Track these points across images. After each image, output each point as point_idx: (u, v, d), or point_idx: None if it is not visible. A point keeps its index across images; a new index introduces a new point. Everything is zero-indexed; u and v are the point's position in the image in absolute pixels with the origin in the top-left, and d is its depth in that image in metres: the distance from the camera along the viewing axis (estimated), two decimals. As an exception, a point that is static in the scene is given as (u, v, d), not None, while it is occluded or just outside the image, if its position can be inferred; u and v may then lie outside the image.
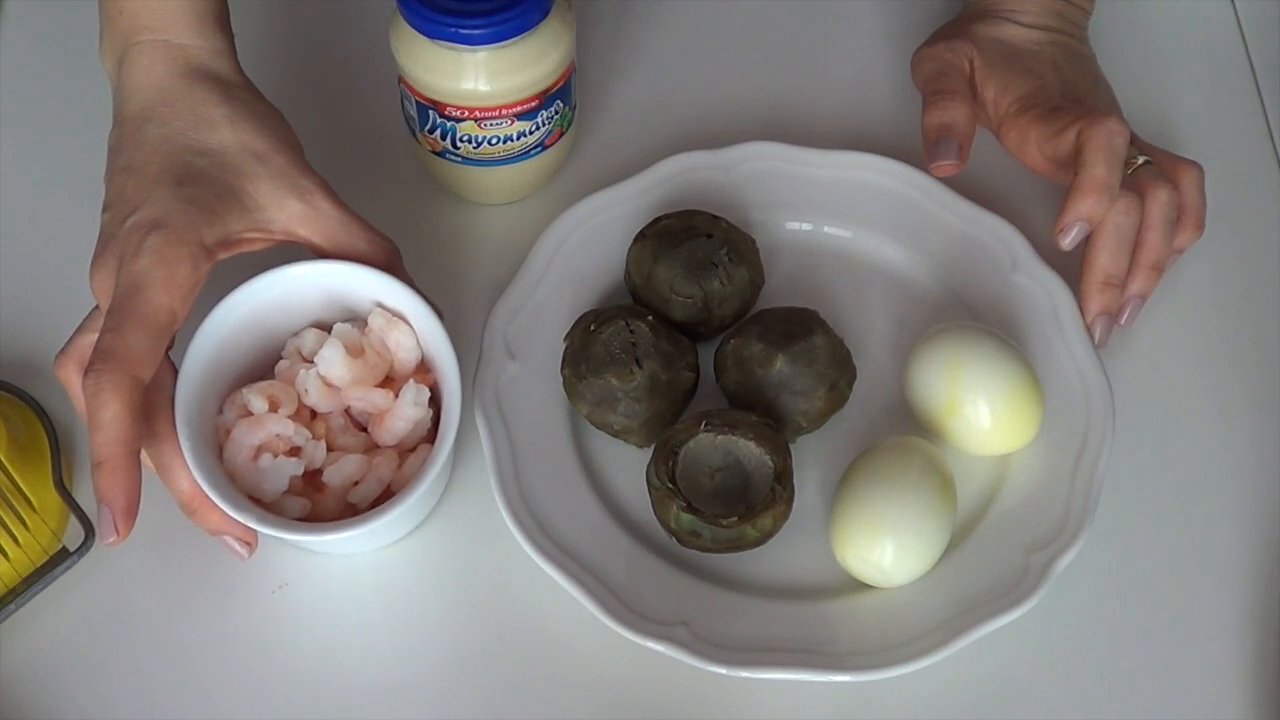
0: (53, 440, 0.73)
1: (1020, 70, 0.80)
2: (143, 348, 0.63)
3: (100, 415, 0.62)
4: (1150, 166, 0.77)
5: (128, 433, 0.62)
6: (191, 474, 0.65)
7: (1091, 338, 0.75)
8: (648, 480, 0.70)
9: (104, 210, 0.68)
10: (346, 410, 0.70)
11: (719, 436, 0.70)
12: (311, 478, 0.69)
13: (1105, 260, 0.75)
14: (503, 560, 0.71)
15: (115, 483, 0.61)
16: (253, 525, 0.65)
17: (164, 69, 0.69)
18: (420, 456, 0.69)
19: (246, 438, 0.68)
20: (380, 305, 0.70)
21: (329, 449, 0.69)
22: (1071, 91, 0.80)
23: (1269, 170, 0.85)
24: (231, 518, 0.65)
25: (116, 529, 0.62)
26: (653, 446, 0.71)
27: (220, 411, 0.69)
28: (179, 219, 0.65)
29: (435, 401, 0.70)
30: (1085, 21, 0.84)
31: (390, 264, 0.70)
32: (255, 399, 0.68)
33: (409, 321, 0.70)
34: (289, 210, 0.68)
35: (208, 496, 0.65)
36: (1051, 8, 0.82)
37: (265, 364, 0.71)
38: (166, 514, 0.72)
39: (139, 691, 0.68)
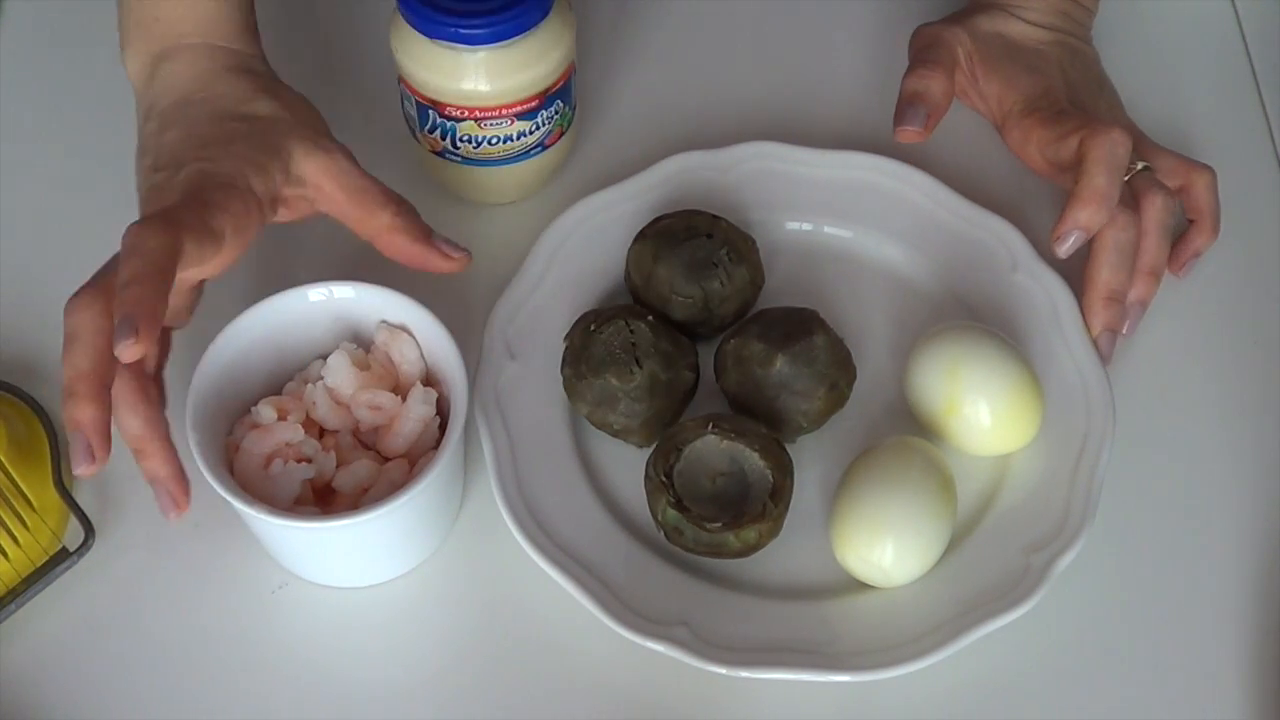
0: (53, 440, 0.73)
1: (1025, 68, 0.80)
2: (195, 226, 0.64)
3: (141, 241, 0.62)
4: (1148, 173, 0.77)
5: (168, 260, 0.62)
6: (144, 413, 0.64)
7: (1098, 353, 0.75)
8: (645, 472, 0.70)
9: (153, 170, 0.70)
10: (354, 431, 0.71)
11: (725, 441, 0.70)
12: (323, 493, 0.69)
13: (1106, 275, 0.75)
14: (502, 560, 0.71)
15: (151, 296, 0.61)
16: (267, 519, 0.65)
17: (205, 65, 0.72)
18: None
19: (256, 446, 0.68)
20: (384, 322, 0.71)
21: (338, 464, 0.69)
22: (1077, 95, 0.80)
23: (1269, 170, 0.85)
24: (175, 469, 0.64)
25: (135, 333, 0.60)
26: (653, 446, 0.71)
27: (230, 432, 0.69)
28: (231, 167, 0.68)
29: (441, 411, 0.70)
30: (1090, 22, 0.84)
31: (406, 217, 0.71)
32: (264, 409, 0.69)
33: (412, 334, 0.70)
34: (316, 162, 0.70)
35: (158, 440, 0.64)
36: (1058, 6, 0.82)
37: (275, 387, 0.72)
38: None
39: (139, 691, 0.68)
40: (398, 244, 0.71)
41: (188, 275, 0.65)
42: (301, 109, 0.73)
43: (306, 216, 0.72)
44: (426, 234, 0.71)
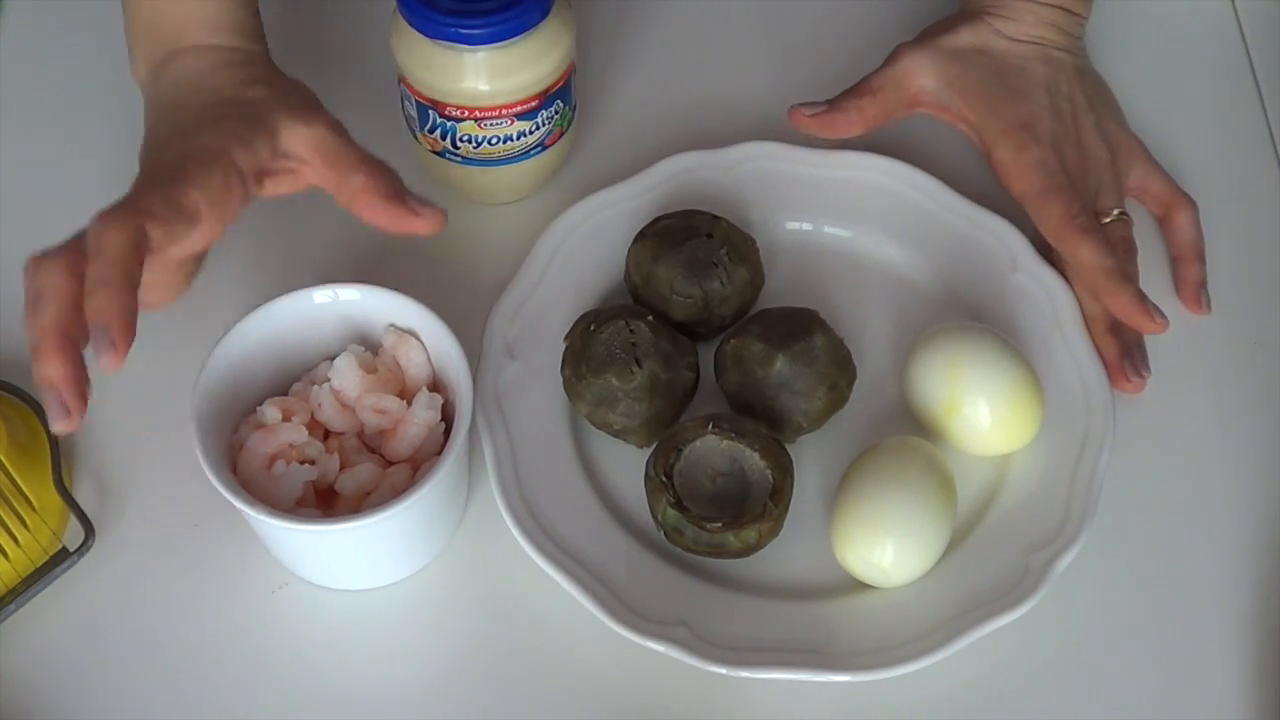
0: (53, 440, 0.73)
1: (1008, 92, 0.79)
2: (161, 210, 0.64)
3: (103, 239, 0.61)
4: (1123, 223, 0.78)
5: (133, 255, 0.61)
6: (55, 312, 0.61)
7: (1125, 381, 0.75)
8: (645, 472, 0.70)
9: (144, 154, 0.70)
10: (359, 434, 0.71)
11: (725, 441, 0.70)
12: (325, 496, 0.69)
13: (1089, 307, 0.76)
14: (503, 561, 0.71)
15: (119, 300, 0.60)
16: (267, 519, 0.65)
17: (208, 60, 0.73)
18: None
19: (260, 446, 0.68)
20: (392, 325, 0.71)
21: (342, 466, 0.69)
22: (1061, 123, 0.79)
23: (1269, 171, 0.85)
24: (69, 373, 0.60)
25: (112, 345, 0.60)
26: (653, 446, 0.71)
27: (235, 430, 0.69)
28: (213, 142, 0.68)
29: (446, 417, 0.70)
30: (1081, 30, 0.83)
31: (377, 178, 0.70)
32: (269, 410, 0.69)
33: (420, 338, 0.70)
34: (299, 134, 0.70)
35: (59, 342, 0.61)
36: (1047, 17, 0.81)
37: (281, 388, 0.72)
38: (166, 514, 0.72)
39: (139, 691, 0.68)
40: (372, 205, 0.69)
41: (171, 253, 0.65)
42: (293, 89, 0.73)
43: (298, 189, 0.71)
44: (397, 193, 0.70)
